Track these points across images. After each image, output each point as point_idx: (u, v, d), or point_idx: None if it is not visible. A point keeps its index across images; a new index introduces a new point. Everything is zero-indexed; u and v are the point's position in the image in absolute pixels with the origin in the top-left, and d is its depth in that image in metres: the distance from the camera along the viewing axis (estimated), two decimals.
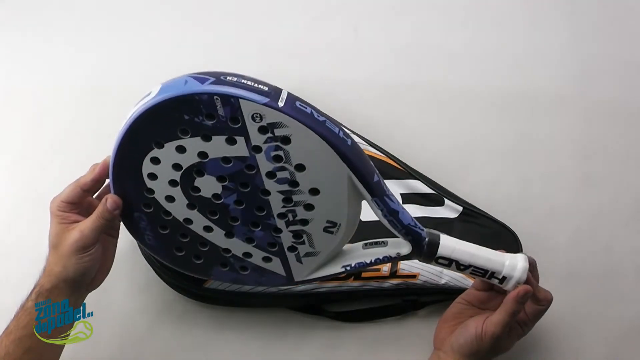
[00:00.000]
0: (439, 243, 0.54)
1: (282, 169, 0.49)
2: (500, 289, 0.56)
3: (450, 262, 0.54)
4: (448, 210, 0.69)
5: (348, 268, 0.55)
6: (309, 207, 0.51)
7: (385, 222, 0.53)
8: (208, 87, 0.46)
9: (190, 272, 0.57)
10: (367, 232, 0.60)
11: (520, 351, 0.68)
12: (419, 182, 0.69)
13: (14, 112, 0.78)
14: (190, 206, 0.52)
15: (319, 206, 0.51)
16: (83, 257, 0.53)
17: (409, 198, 0.69)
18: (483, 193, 0.72)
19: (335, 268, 0.56)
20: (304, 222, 0.52)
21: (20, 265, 0.64)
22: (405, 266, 0.65)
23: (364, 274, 0.65)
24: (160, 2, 0.81)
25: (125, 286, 0.69)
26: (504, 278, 0.54)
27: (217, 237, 0.54)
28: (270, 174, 0.49)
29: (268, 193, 0.51)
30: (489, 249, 0.55)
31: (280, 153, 0.48)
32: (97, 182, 0.54)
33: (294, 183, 0.50)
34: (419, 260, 0.56)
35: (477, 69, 0.77)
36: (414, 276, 0.66)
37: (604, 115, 0.76)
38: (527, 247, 0.69)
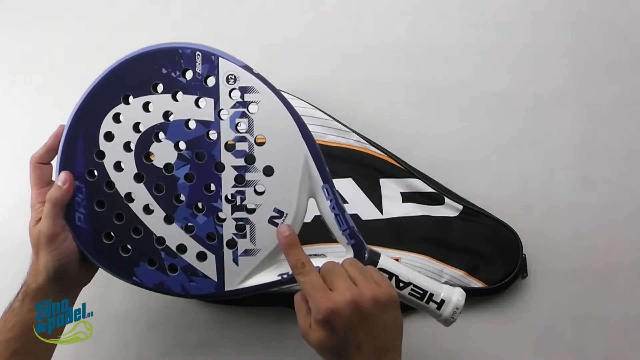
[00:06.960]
0: (380, 254, 0.53)
1: (243, 139, 0.51)
2: (439, 316, 0.53)
3: (390, 276, 0.52)
4: (448, 209, 0.69)
5: (285, 276, 0.52)
6: (259, 190, 0.52)
7: (330, 216, 0.52)
8: (193, 44, 0.50)
9: (112, 270, 0.54)
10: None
11: (521, 350, 0.68)
12: (419, 180, 0.70)
13: (15, 111, 0.78)
14: (138, 177, 0.52)
15: (269, 189, 0.51)
16: (54, 249, 0.51)
17: (409, 197, 0.69)
18: (483, 192, 0.72)
19: (271, 276, 0.53)
20: (251, 210, 0.52)
21: (20, 265, 0.64)
22: None
23: None
24: (161, 1, 0.82)
25: (125, 286, 0.68)
26: (442, 302, 0.52)
27: (156, 221, 0.52)
28: (229, 146, 0.51)
29: (222, 168, 0.51)
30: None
31: (245, 121, 0.50)
32: (50, 151, 0.52)
33: (250, 158, 0.51)
34: None
35: (477, 68, 0.77)
36: None
37: (604, 115, 0.76)
38: (527, 246, 0.69)
